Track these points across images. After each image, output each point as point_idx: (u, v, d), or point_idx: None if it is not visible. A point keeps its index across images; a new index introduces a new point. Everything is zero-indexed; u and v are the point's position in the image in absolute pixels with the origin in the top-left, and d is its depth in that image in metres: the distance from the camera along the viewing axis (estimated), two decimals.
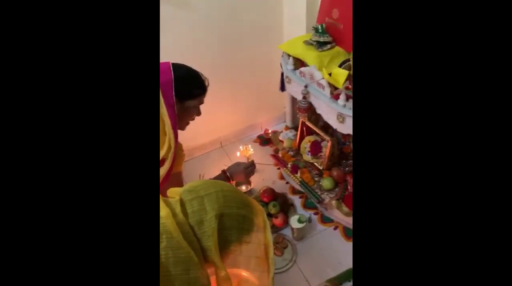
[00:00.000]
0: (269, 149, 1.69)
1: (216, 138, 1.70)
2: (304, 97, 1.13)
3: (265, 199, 1.31)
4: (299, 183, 1.29)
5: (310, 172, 1.29)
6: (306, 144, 1.35)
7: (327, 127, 1.40)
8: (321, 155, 1.30)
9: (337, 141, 1.31)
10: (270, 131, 1.74)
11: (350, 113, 0.97)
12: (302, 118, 1.23)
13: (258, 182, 1.52)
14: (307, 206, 1.41)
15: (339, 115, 1.01)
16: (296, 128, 1.45)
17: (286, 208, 1.35)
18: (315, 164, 1.32)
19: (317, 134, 1.36)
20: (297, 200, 1.43)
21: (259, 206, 0.86)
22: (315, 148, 1.30)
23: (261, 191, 1.34)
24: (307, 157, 1.34)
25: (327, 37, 1.12)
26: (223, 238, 0.75)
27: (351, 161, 1.28)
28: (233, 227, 0.77)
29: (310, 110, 1.22)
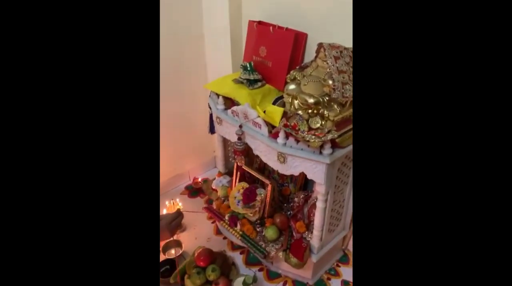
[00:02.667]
0: (200, 201, 1.49)
1: None
2: (239, 138, 1.02)
3: (201, 263, 1.09)
4: (240, 238, 1.11)
5: (251, 222, 1.14)
6: (237, 192, 1.21)
7: (262, 170, 1.30)
8: (254, 204, 1.15)
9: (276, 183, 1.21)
10: (200, 179, 1.56)
11: (291, 152, 0.89)
12: (238, 161, 1.10)
13: (190, 242, 1.29)
14: (249, 262, 1.23)
15: (279, 155, 0.92)
16: (230, 174, 1.31)
17: (227, 270, 1.14)
18: (246, 216, 1.15)
19: (253, 178, 1.24)
20: (237, 257, 1.24)
21: None
22: (249, 196, 1.16)
23: (196, 254, 1.11)
24: (237, 208, 1.16)
25: (256, 75, 1.07)
26: None
27: (292, 204, 1.19)
28: None
29: (246, 152, 1.11)
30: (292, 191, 1.25)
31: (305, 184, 1.23)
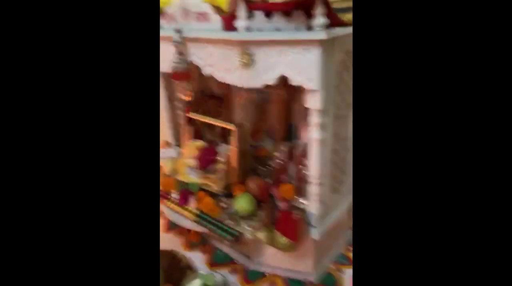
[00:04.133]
0: None
1: None
2: (180, 53, 0.65)
3: None
4: (196, 218, 0.70)
5: (212, 194, 0.74)
6: (190, 154, 0.81)
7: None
8: (215, 168, 0.77)
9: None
10: None
11: (262, 37, 0.53)
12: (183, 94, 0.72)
13: None
14: (216, 262, 0.81)
15: (243, 53, 0.56)
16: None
17: (177, 275, 0.71)
18: (206, 187, 0.75)
19: (211, 130, 0.86)
20: (198, 258, 0.81)
21: None
22: (206, 157, 0.77)
23: None
24: (190, 178, 0.77)
25: None
26: None
27: (271, 166, 0.80)
28: None
29: (196, 84, 0.74)
30: (270, 150, 0.88)
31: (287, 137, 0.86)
